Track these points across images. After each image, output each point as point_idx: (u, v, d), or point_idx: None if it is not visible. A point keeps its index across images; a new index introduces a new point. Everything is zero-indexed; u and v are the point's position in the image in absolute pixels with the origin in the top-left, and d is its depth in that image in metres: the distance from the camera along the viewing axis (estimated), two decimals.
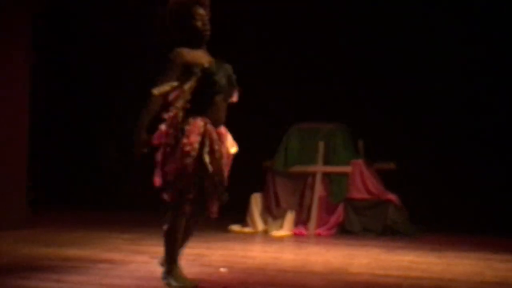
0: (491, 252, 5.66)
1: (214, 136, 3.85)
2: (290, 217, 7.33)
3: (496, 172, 7.81)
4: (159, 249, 5.48)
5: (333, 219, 7.24)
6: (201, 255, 5.23)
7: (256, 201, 7.52)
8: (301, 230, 7.18)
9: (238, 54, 9.09)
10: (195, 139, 3.76)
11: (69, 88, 9.80)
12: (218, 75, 3.90)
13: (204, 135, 3.80)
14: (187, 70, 3.85)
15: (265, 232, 7.24)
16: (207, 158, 3.79)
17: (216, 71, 3.90)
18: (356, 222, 7.19)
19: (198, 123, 3.80)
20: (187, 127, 3.78)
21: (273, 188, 7.51)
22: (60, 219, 7.75)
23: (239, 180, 8.69)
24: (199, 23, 3.97)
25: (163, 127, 3.83)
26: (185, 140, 3.75)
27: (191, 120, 3.81)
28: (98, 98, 9.77)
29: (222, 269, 4.53)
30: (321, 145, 7.41)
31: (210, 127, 3.84)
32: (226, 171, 3.97)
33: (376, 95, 8.33)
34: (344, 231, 7.18)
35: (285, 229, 7.23)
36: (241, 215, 7.59)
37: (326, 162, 7.38)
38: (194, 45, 3.97)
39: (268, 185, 7.56)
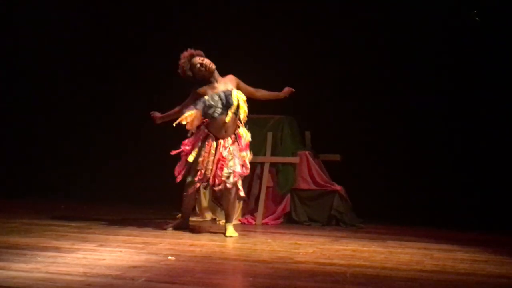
0: (431, 242, 5.83)
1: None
2: (238, 206, 7.40)
3: (438, 167, 7.95)
4: (107, 237, 5.51)
5: (280, 209, 7.34)
6: (149, 243, 5.26)
7: (204, 191, 7.55)
8: (249, 219, 7.26)
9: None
10: None
11: None
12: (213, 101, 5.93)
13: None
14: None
15: (213, 221, 7.29)
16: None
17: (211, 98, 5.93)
18: (302, 212, 7.31)
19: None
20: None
21: None
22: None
23: None
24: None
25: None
26: None
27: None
28: None
29: (170, 257, 4.57)
30: (269, 135, 7.48)
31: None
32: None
33: (323, 87, 8.41)
34: (291, 221, 7.29)
35: None
36: None
37: (274, 152, 7.45)
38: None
39: None
